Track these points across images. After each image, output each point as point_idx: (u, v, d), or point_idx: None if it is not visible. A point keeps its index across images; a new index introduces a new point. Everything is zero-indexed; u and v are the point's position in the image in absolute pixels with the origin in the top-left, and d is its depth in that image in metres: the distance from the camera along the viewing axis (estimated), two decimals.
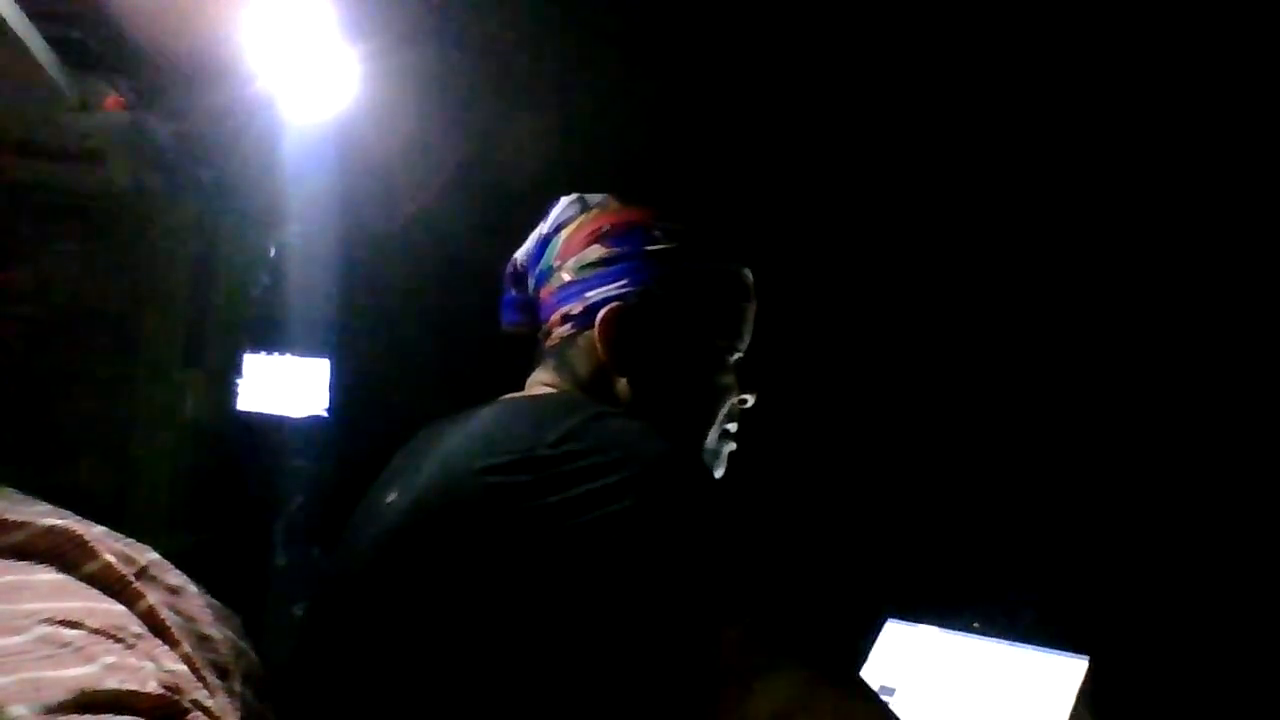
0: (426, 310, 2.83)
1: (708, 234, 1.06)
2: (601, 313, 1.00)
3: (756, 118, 2.39)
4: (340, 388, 2.82)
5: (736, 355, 1.06)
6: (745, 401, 1.06)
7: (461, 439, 0.87)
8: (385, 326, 2.68)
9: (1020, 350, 2.26)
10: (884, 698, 1.68)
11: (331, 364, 2.84)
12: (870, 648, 1.68)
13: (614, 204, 1.07)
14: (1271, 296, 1.95)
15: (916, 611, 1.54)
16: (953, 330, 2.39)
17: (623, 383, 1.00)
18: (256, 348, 2.80)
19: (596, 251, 1.03)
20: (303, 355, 2.83)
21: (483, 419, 0.91)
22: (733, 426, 1.06)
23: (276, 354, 2.82)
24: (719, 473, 1.06)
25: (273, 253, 2.83)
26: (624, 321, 1.00)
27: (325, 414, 2.93)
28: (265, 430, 2.74)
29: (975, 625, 1.62)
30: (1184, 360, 2.03)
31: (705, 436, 1.03)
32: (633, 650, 0.75)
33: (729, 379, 1.04)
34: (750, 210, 2.49)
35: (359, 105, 2.21)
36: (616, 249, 1.03)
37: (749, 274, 1.08)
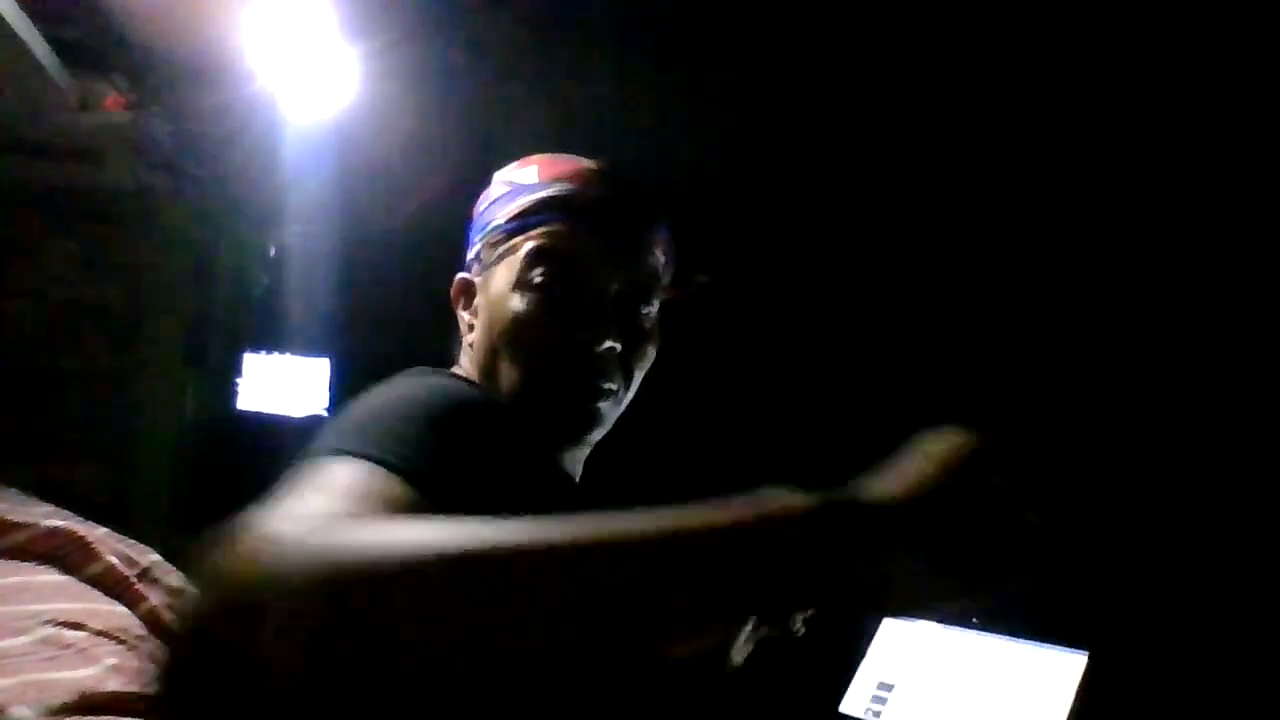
0: (426, 310, 2.82)
1: (542, 166, 0.93)
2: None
3: (759, 116, 2.39)
4: (340, 388, 2.81)
5: (580, 292, 0.87)
6: (611, 348, 0.86)
7: None
8: (385, 326, 2.68)
9: (1018, 343, 2.26)
10: (883, 693, 1.68)
11: (331, 364, 2.83)
12: (870, 643, 1.68)
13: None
14: (1270, 295, 1.96)
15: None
16: (954, 322, 2.39)
17: (471, 351, 0.93)
18: (256, 348, 2.79)
19: None
20: (303, 355, 2.82)
21: None
22: (611, 384, 0.87)
23: (276, 354, 2.81)
24: (598, 434, 0.90)
25: (273, 253, 2.83)
26: (454, 290, 0.97)
27: (325, 414, 2.93)
28: (265, 430, 2.74)
29: (974, 620, 1.62)
30: (1183, 358, 2.04)
31: (554, 396, 0.86)
32: None
33: (563, 320, 0.86)
34: (752, 209, 2.49)
35: (359, 105, 2.21)
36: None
37: (568, 189, 0.90)
